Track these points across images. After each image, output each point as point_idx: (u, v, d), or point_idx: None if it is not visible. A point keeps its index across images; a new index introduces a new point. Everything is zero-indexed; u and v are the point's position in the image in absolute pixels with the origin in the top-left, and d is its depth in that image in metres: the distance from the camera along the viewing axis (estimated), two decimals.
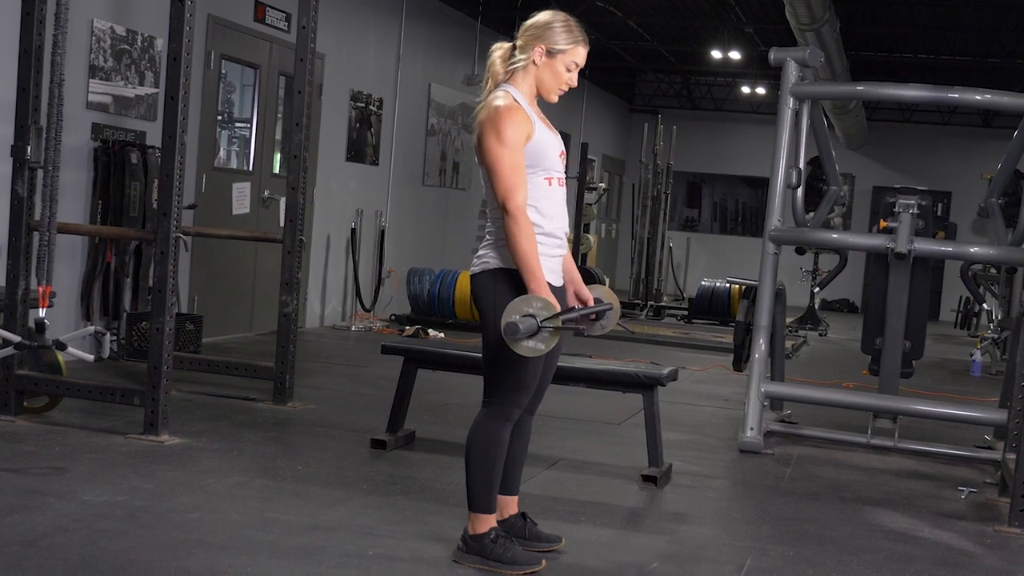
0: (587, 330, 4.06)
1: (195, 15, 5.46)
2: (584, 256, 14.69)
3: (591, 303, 3.99)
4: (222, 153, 9.47)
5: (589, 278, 13.56)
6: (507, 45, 3.89)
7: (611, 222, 20.49)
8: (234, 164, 9.67)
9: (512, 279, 3.76)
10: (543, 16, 3.85)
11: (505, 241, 3.74)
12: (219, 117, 9.16)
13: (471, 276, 3.89)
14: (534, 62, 3.82)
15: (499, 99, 3.76)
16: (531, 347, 3.60)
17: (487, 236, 3.86)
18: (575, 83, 3.92)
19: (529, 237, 3.67)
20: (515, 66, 3.84)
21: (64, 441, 5.23)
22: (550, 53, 3.81)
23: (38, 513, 4.08)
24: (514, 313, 3.58)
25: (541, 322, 3.57)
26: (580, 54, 3.86)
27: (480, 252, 3.87)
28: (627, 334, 4.07)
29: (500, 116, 3.71)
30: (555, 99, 3.93)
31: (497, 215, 3.78)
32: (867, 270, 17.05)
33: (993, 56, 15.16)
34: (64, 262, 7.02)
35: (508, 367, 3.77)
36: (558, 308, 3.62)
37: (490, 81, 3.87)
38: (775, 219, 6.56)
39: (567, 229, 3.93)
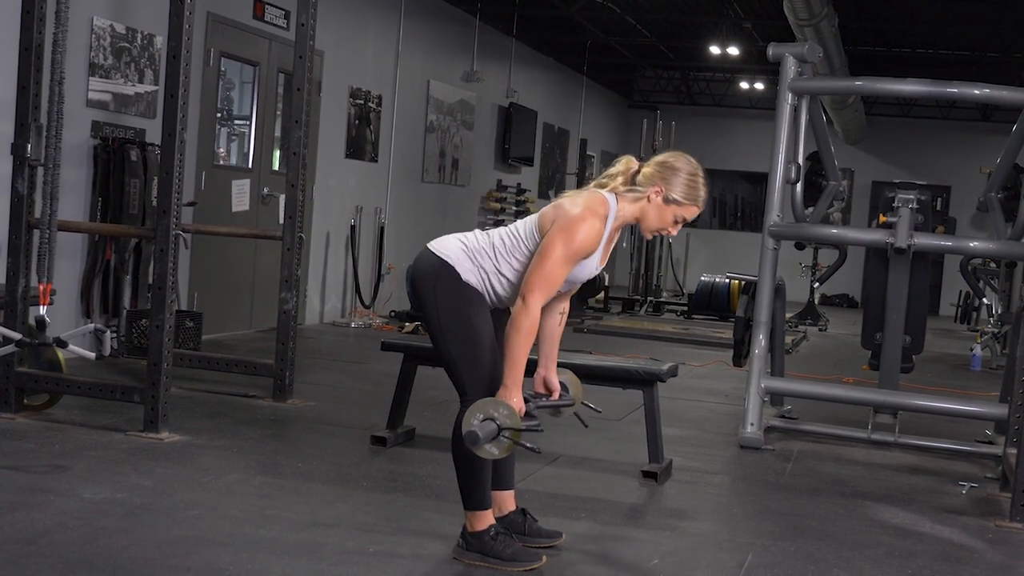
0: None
1: (194, 13, 5.45)
2: None
3: (556, 392, 4.05)
4: (221, 150, 9.46)
5: None
6: (635, 163, 3.89)
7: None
8: (234, 161, 9.66)
9: (461, 287, 3.79)
10: (677, 160, 3.86)
11: (490, 285, 3.80)
12: (218, 114, 9.15)
13: (428, 248, 3.89)
14: (648, 198, 3.83)
15: (593, 206, 3.76)
16: (486, 450, 3.63)
17: (476, 244, 3.85)
18: (675, 233, 3.94)
19: (529, 336, 3.69)
20: (631, 192, 3.85)
21: (64, 438, 5.23)
22: (666, 199, 3.82)
23: (38, 511, 4.08)
24: (479, 413, 3.60)
25: (502, 430, 3.59)
26: (692, 213, 3.87)
27: (454, 243, 3.86)
28: (595, 412, 4.19)
29: (582, 223, 3.71)
30: (650, 237, 4.01)
31: (507, 256, 3.80)
32: (867, 265, 17.05)
33: (992, 50, 15.16)
34: (64, 260, 7.01)
35: (461, 362, 3.79)
36: (522, 414, 3.66)
37: (607, 182, 3.88)
38: (774, 214, 6.55)
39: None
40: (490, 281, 3.83)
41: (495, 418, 3.60)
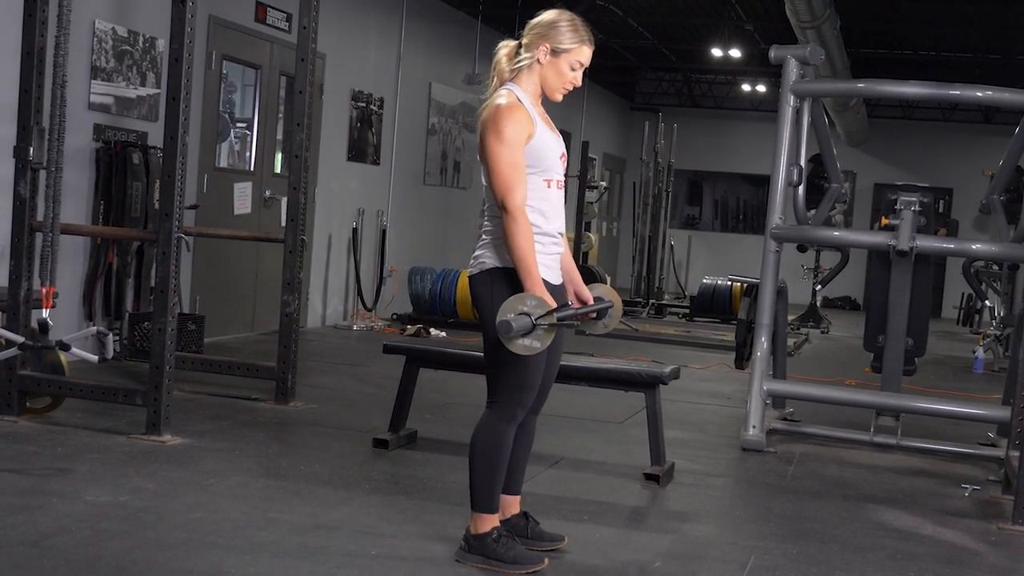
0: (588, 329, 4.09)
1: (196, 16, 5.46)
2: (585, 255, 14.70)
3: (591, 303, 4.01)
4: (223, 153, 9.47)
5: (590, 276, 13.59)
6: (513, 43, 3.88)
7: (612, 221, 20.48)
8: (235, 164, 9.66)
9: (509, 278, 3.75)
10: (548, 15, 3.84)
11: (503, 240, 3.73)
12: (226, 115, 9.15)
13: (469, 277, 3.88)
14: (539, 61, 3.81)
15: (501, 97, 3.76)
16: (526, 345, 3.59)
17: (484, 236, 3.85)
18: (579, 82, 3.90)
19: (527, 236, 3.67)
20: (520, 64, 3.82)
21: (67, 441, 5.24)
22: (555, 52, 3.80)
23: (41, 513, 4.08)
24: (508, 311, 3.57)
25: (536, 320, 3.56)
26: (585, 54, 3.84)
27: (477, 253, 3.86)
28: (631, 332, 4.11)
29: (501, 115, 3.71)
30: (559, 98, 3.90)
31: (495, 214, 3.78)
32: (869, 267, 17.05)
33: (994, 52, 15.16)
34: (66, 262, 7.01)
35: (509, 367, 3.76)
36: (553, 305, 3.61)
37: (495, 79, 3.87)
38: (776, 217, 6.55)
39: (564, 229, 3.93)
40: None
41: (527, 312, 3.56)
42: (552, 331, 3.60)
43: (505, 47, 3.88)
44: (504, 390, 3.81)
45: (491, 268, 3.80)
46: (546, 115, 3.88)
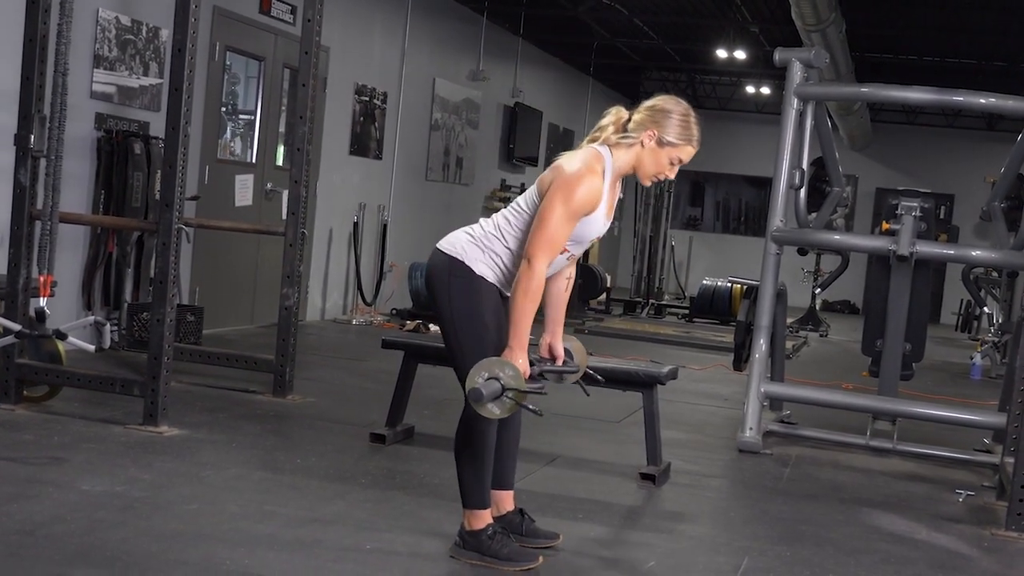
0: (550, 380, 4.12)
1: (200, 6, 5.45)
2: (586, 254, 14.68)
3: (560, 359, 4.02)
4: (225, 144, 9.47)
5: (592, 277, 13.61)
6: (624, 113, 3.87)
7: (614, 220, 20.44)
8: (237, 156, 9.66)
9: (475, 284, 3.76)
10: (667, 102, 3.84)
11: (507, 269, 3.76)
12: (223, 108, 9.15)
13: (437, 248, 3.86)
14: (642, 143, 3.81)
15: (590, 162, 3.76)
16: (488, 409, 3.60)
17: (483, 231, 3.84)
18: (672, 176, 3.90)
19: (535, 298, 3.66)
20: (623, 141, 3.83)
21: (63, 430, 5.23)
22: (660, 142, 3.80)
23: (36, 502, 4.08)
24: (484, 371, 3.57)
25: (505, 391, 3.56)
26: (688, 153, 3.84)
27: (462, 236, 3.85)
28: (584, 393, 4.14)
29: (580, 181, 3.70)
30: (648, 184, 3.93)
31: (518, 238, 3.77)
32: (868, 272, 17.05)
33: (998, 60, 15.15)
34: (66, 251, 7.01)
35: (472, 361, 3.73)
36: (527, 376, 3.62)
37: (599, 136, 3.87)
38: (778, 219, 6.55)
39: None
40: (504, 263, 3.80)
41: (499, 378, 3.56)
42: (516, 406, 3.61)
43: (615, 113, 3.88)
44: None
45: (462, 263, 3.78)
46: (616, 194, 3.89)
